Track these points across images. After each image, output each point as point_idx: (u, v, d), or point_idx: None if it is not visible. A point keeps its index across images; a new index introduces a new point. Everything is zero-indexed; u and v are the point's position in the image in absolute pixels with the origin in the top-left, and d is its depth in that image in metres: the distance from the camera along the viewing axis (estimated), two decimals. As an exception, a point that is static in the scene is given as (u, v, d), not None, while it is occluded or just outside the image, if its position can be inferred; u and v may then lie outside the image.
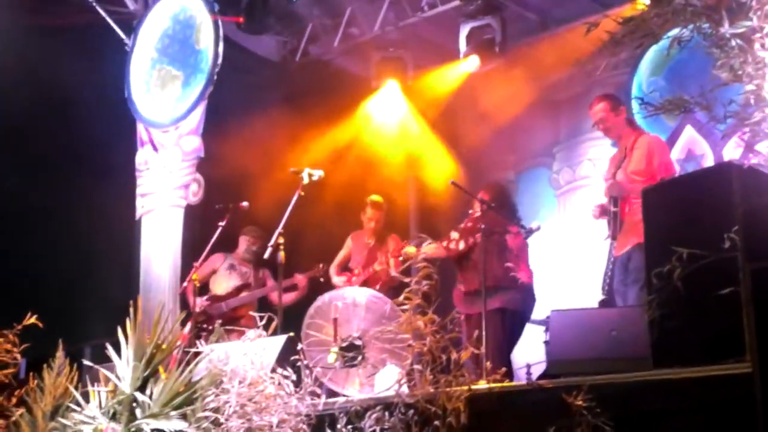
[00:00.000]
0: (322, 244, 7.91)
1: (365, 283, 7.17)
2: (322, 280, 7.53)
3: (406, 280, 4.29)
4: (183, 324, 6.72)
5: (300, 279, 7.55)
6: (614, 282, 6.14)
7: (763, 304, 3.29)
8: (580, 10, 7.90)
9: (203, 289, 7.46)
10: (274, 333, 4.85)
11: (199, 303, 7.38)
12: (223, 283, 7.70)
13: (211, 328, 5.13)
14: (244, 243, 7.76)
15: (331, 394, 5.01)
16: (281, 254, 6.31)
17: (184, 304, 7.24)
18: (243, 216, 7.26)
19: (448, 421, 3.96)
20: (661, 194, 4.50)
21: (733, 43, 3.87)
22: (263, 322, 4.64)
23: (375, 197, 7.64)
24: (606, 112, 6.24)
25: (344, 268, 7.67)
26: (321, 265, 7.59)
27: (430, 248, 6.38)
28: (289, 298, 7.40)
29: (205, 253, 7.00)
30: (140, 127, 8.69)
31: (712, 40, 3.99)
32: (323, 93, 8.35)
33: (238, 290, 7.67)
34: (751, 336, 3.33)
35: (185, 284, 7.36)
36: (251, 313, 6.85)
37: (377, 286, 6.97)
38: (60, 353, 4.96)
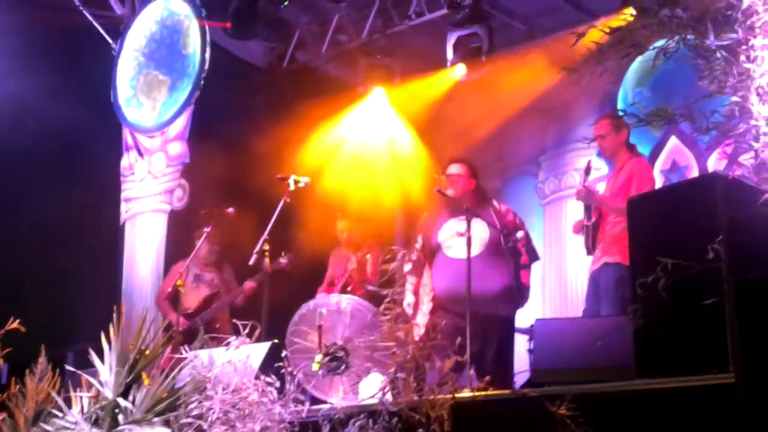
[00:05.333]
0: (306, 250, 7.89)
1: (344, 289, 7.16)
2: (288, 269, 7.16)
3: (384, 292, 4.29)
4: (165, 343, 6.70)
5: (249, 284, 7.33)
6: (587, 295, 6.19)
7: (746, 315, 3.29)
8: (566, 20, 7.93)
9: (174, 302, 7.23)
10: (258, 340, 4.84)
11: (180, 322, 7.15)
12: (193, 297, 7.45)
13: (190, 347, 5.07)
14: (205, 246, 7.36)
15: (315, 401, 4.99)
16: (267, 261, 6.32)
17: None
18: (228, 222, 7.23)
19: (432, 429, 3.95)
20: (645, 205, 4.51)
21: (719, 54, 3.88)
22: (246, 330, 4.63)
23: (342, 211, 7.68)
24: (608, 129, 6.27)
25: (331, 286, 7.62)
26: (283, 253, 7.10)
27: None
28: (240, 299, 7.40)
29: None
30: (126, 132, 8.67)
31: (698, 52, 4.00)
32: (310, 99, 8.34)
33: (207, 301, 7.49)
34: (734, 347, 3.34)
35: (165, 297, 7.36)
36: (233, 320, 6.80)
37: (359, 293, 6.95)
38: (42, 358, 4.92)
